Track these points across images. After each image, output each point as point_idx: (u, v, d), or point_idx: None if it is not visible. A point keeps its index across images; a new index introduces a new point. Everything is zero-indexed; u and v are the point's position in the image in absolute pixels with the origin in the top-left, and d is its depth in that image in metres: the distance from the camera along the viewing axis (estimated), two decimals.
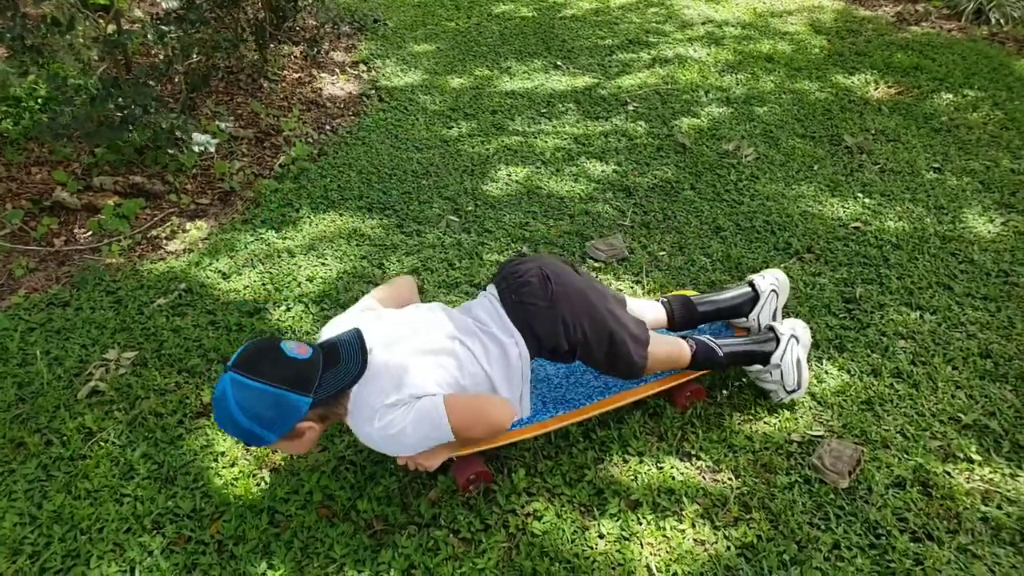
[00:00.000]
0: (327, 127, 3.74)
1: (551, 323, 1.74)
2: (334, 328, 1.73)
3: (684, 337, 1.98)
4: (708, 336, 2.02)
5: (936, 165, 3.21)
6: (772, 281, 2.16)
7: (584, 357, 1.80)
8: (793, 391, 2.01)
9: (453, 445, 1.74)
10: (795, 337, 2.03)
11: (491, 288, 1.86)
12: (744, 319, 2.15)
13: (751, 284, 2.16)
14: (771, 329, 2.06)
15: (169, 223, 2.95)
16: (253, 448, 1.95)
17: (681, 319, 2.08)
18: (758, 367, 2.01)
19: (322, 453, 1.94)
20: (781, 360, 1.99)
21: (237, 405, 1.48)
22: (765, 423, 2.00)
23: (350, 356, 1.58)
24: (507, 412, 1.63)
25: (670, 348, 1.92)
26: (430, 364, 1.64)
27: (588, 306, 1.78)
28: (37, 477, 1.89)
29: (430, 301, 2.48)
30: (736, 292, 2.15)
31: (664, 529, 1.73)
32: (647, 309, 2.05)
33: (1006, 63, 4.14)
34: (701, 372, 2.02)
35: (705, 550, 1.69)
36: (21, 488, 1.86)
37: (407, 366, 1.61)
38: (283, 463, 1.92)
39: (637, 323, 1.85)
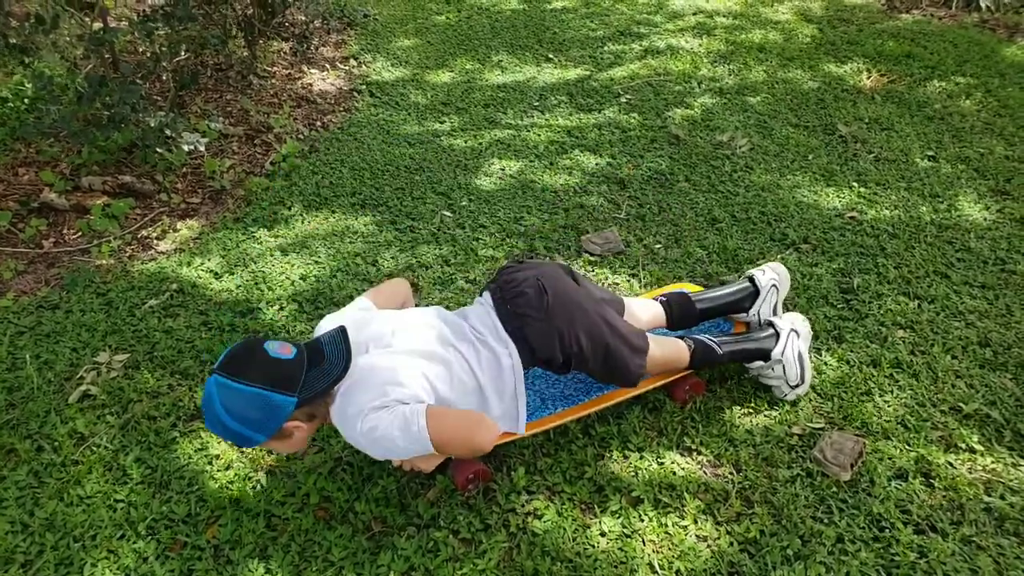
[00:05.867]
0: (318, 123, 3.70)
1: (546, 335, 1.72)
2: (327, 325, 1.71)
3: (682, 337, 1.96)
4: (707, 335, 2.00)
5: (930, 153, 3.20)
6: (772, 276, 2.13)
7: (580, 368, 1.79)
8: (796, 386, 1.99)
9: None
10: (795, 331, 2.01)
11: (486, 296, 1.85)
12: (744, 314, 2.13)
13: (751, 279, 2.14)
14: (770, 325, 2.04)
15: (159, 223, 2.91)
16: (247, 450, 1.92)
17: (680, 319, 2.07)
18: (759, 363, 1.99)
19: (318, 455, 1.92)
20: (782, 355, 1.97)
21: (223, 407, 1.48)
22: (765, 416, 1.98)
23: (334, 354, 1.57)
24: (490, 435, 1.60)
25: (667, 351, 1.90)
26: (420, 368, 1.62)
27: (585, 319, 1.75)
28: (28, 484, 1.86)
29: (426, 298, 2.46)
30: (735, 288, 2.13)
31: (666, 526, 1.71)
32: (646, 309, 2.03)
33: (997, 50, 4.13)
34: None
35: (708, 546, 1.67)
36: (12, 495, 1.82)
37: (396, 368, 1.59)
38: (279, 465, 1.89)
39: (636, 332, 1.83)
